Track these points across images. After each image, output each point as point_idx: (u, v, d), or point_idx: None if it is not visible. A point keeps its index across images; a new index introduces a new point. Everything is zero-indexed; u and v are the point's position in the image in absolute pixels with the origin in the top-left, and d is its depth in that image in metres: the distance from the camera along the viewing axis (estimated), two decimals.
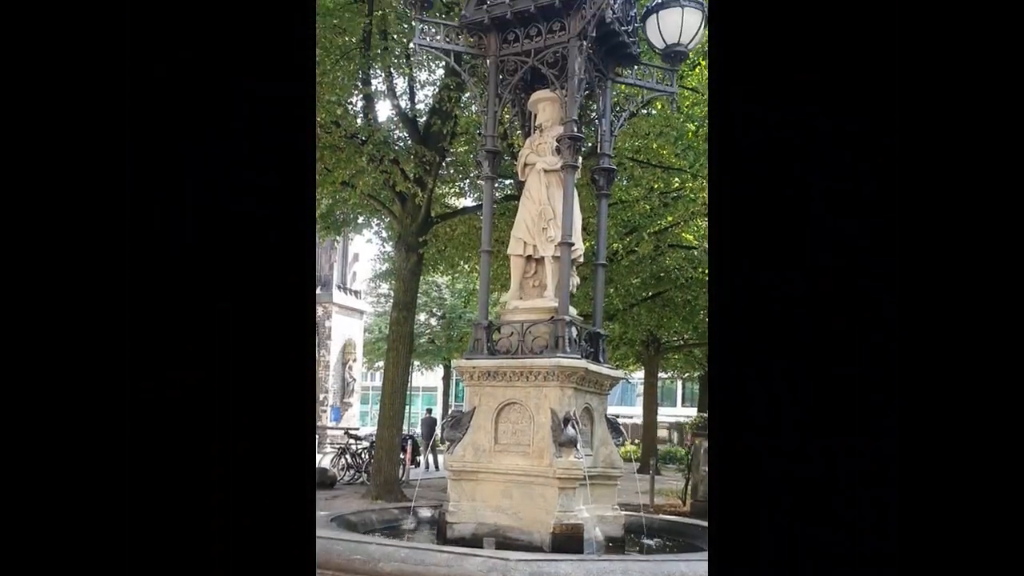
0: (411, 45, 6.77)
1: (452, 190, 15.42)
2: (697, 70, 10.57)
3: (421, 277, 15.40)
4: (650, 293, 18.41)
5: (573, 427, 4.86)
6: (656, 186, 12.92)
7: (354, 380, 30.49)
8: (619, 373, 6.03)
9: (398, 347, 13.40)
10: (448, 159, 12.98)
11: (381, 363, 19.96)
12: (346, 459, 17.54)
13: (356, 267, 31.61)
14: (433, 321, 31.98)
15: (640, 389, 34.38)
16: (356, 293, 31.32)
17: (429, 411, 27.47)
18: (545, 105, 5.62)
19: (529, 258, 5.63)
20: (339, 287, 29.70)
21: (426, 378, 42.72)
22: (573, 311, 5.48)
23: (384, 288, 29.24)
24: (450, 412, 7.43)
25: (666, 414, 41.51)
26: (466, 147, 12.93)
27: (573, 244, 5.35)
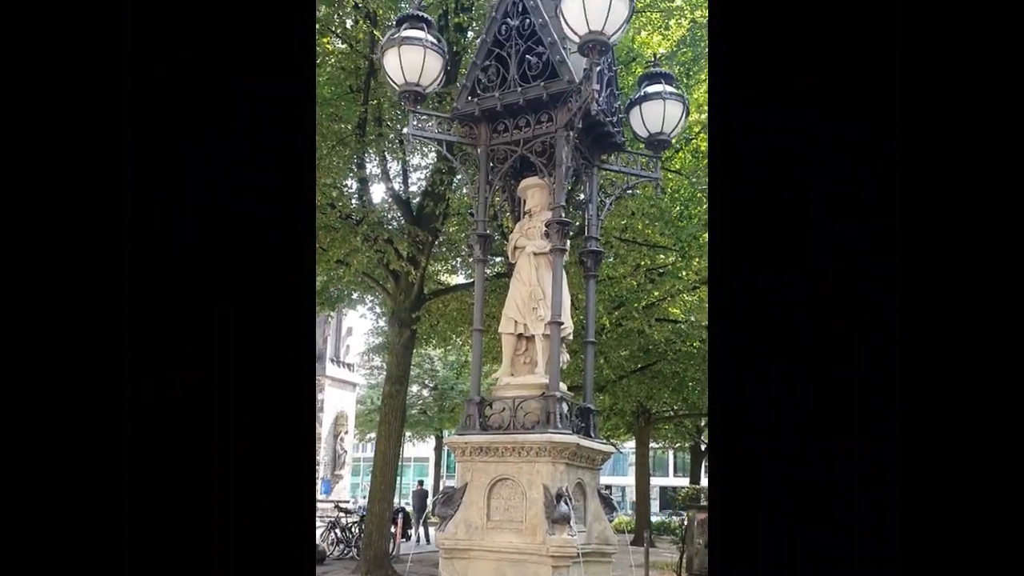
0: (404, 131, 7.05)
1: (445, 267, 15.71)
2: (680, 154, 10.94)
3: (414, 350, 15.56)
4: (639, 365, 18.54)
5: (566, 503, 4.89)
6: (643, 263, 13.21)
7: (345, 452, 30.25)
8: (610, 448, 6.11)
9: (390, 420, 13.48)
10: (440, 238, 13.29)
11: (373, 434, 19.93)
12: (336, 533, 17.37)
13: (350, 341, 31.74)
14: (425, 392, 31.92)
15: (632, 459, 34.19)
16: (349, 366, 31.37)
17: (420, 483, 27.21)
18: (534, 191, 5.84)
19: (520, 336, 5.74)
20: (332, 360, 29.76)
21: (418, 449, 42.34)
22: (563, 387, 5.59)
23: (377, 361, 29.29)
24: (441, 488, 7.48)
25: (659, 484, 41.10)
26: (458, 227, 13.24)
27: (563, 323, 5.48)
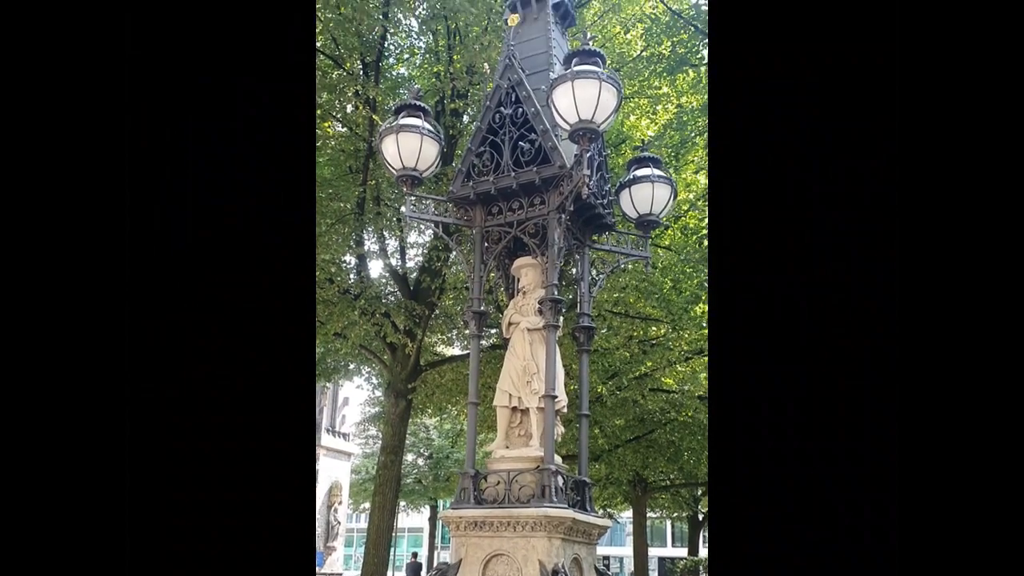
0: (402, 210, 7.29)
1: (441, 339, 15.87)
2: (670, 231, 11.20)
3: (409, 419, 15.61)
4: (635, 434, 18.51)
5: None
6: (635, 334, 13.37)
7: (339, 523, 29.90)
8: (607, 521, 6.11)
9: (385, 491, 13.43)
10: (437, 312, 13.48)
11: (367, 504, 19.76)
12: None
13: (345, 411, 31.67)
14: (420, 461, 31.70)
15: (629, 528, 33.75)
16: (344, 436, 31.24)
17: (415, 555, 26.86)
18: (528, 270, 6.01)
19: (515, 409, 5.83)
20: (327, 430, 29.65)
21: (412, 519, 41.75)
22: (558, 459, 5.64)
23: (372, 430, 29.18)
24: (436, 565, 7.47)
25: (657, 554, 40.53)
26: (453, 300, 13.44)
27: (557, 397, 5.57)
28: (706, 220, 11.61)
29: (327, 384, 25.36)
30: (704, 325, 12.33)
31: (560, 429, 5.97)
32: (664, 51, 11.48)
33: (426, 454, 31.69)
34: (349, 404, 31.94)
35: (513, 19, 6.20)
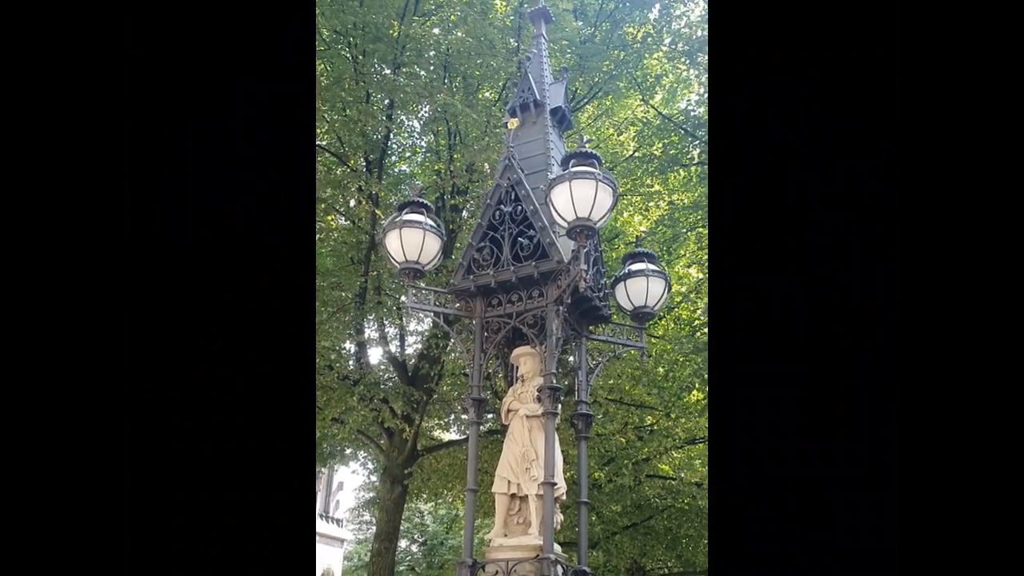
0: (402, 299, 7.50)
1: (438, 424, 15.90)
2: (664, 321, 11.45)
3: (405, 505, 15.50)
4: (632, 521, 18.34)
5: None
6: (631, 421, 13.47)
7: None
8: None
9: None
10: (435, 396, 13.59)
11: None
12: None
13: (340, 495, 31.29)
14: (415, 548, 31.12)
15: None
16: (338, 522, 30.79)
17: None
18: (526, 359, 6.15)
19: (513, 496, 5.87)
20: (321, 515, 29.28)
21: None
22: (558, 548, 5.66)
23: (367, 516, 28.78)
24: None
25: None
26: (451, 386, 13.55)
27: (556, 484, 5.60)
28: (698, 312, 11.87)
29: (322, 469, 25.17)
30: (699, 414, 12.46)
31: (559, 517, 5.99)
32: (656, 151, 11.97)
33: (420, 540, 31.15)
34: (344, 489, 31.58)
35: (513, 123, 6.54)
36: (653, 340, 11.59)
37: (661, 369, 11.96)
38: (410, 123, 12.04)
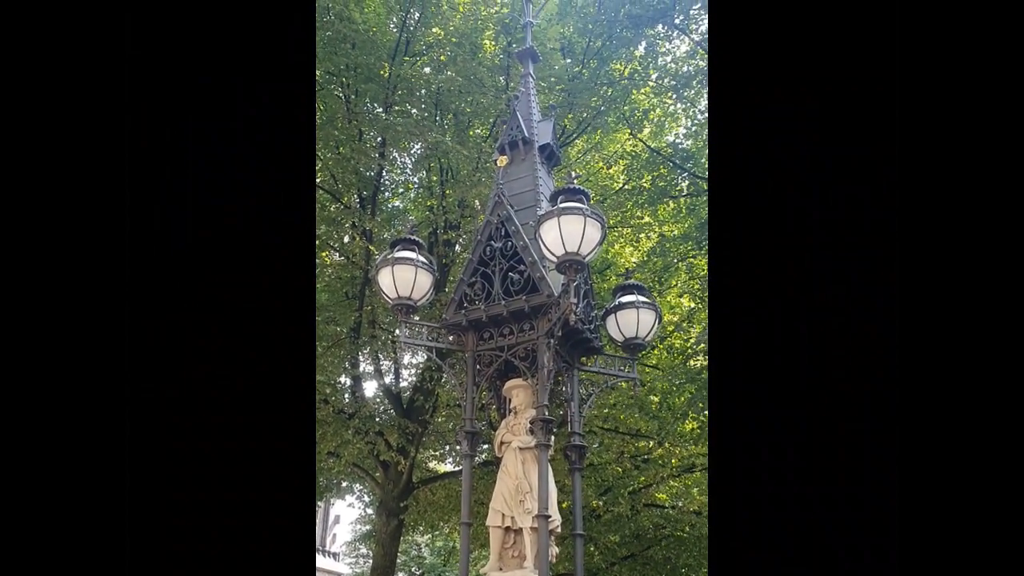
0: (396, 333, 7.57)
1: (433, 455, 15.92)
2: (656, 351, 11.54)
3: (401, 538, 15.46)
4: (630, 552, 18.26)
5: None
6: (626, 450, 13.50)
7: None
8: None
9: None
10: (430, 428, 13.62)
11: None
12: None
13: (336, 529, 31.07)
14: None
15: None
16: (335, 555, 30.56)
17: None
18: (519, 391, 6.22)
19: (508, 529, 5.89)
20: (318, 550, 29.06)
21: None
22: None
23: (363, 549, 28.57)
24: None
25: None
26: (446, 418, 13.60)
27: (550, 516, 5.65)
28: (691, 340, 11.97)
29: (318, 503, 25.07)
30: (693, 442, 12.50)
31: (555, 550, 6.01)
32: (645, 184, 12.16)
33: (418, 573, 30.88)
34: (340, 522, 31.39)
35: (502, 160, 6.68)
36: (647, 369, 11.67)
37: (655, 398, 12.03)
38: (402, 160, 12.23)
